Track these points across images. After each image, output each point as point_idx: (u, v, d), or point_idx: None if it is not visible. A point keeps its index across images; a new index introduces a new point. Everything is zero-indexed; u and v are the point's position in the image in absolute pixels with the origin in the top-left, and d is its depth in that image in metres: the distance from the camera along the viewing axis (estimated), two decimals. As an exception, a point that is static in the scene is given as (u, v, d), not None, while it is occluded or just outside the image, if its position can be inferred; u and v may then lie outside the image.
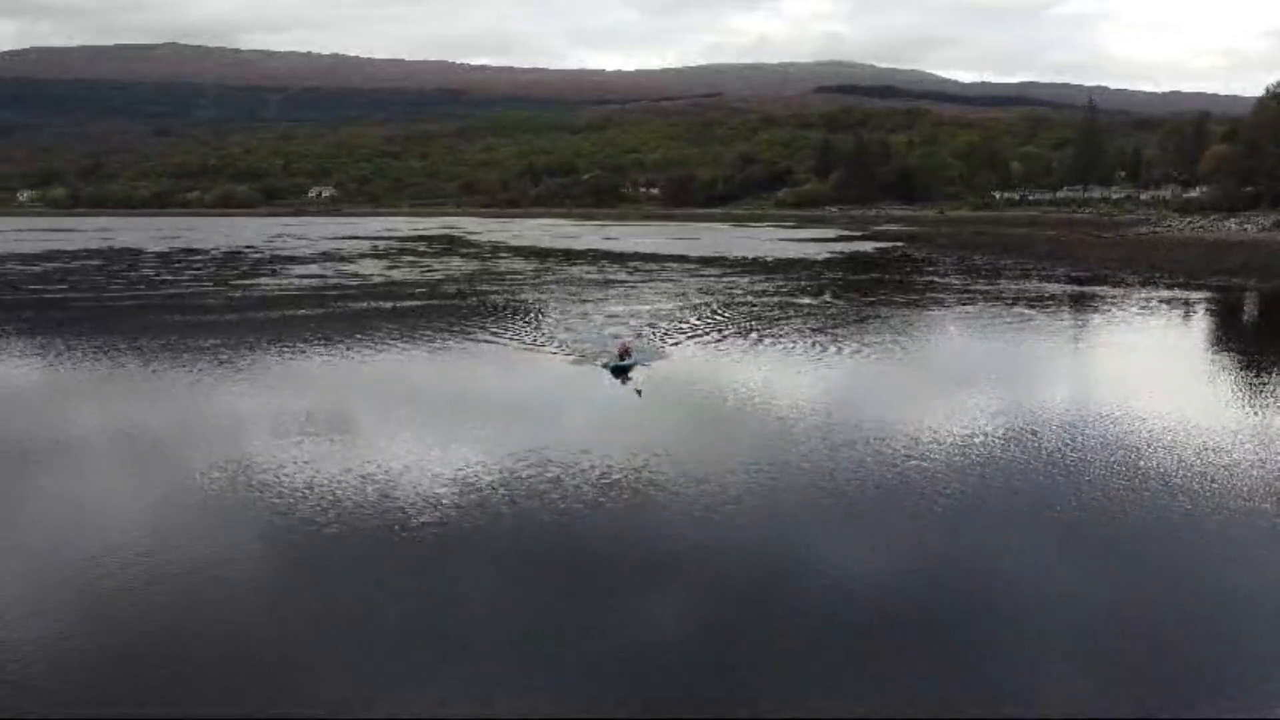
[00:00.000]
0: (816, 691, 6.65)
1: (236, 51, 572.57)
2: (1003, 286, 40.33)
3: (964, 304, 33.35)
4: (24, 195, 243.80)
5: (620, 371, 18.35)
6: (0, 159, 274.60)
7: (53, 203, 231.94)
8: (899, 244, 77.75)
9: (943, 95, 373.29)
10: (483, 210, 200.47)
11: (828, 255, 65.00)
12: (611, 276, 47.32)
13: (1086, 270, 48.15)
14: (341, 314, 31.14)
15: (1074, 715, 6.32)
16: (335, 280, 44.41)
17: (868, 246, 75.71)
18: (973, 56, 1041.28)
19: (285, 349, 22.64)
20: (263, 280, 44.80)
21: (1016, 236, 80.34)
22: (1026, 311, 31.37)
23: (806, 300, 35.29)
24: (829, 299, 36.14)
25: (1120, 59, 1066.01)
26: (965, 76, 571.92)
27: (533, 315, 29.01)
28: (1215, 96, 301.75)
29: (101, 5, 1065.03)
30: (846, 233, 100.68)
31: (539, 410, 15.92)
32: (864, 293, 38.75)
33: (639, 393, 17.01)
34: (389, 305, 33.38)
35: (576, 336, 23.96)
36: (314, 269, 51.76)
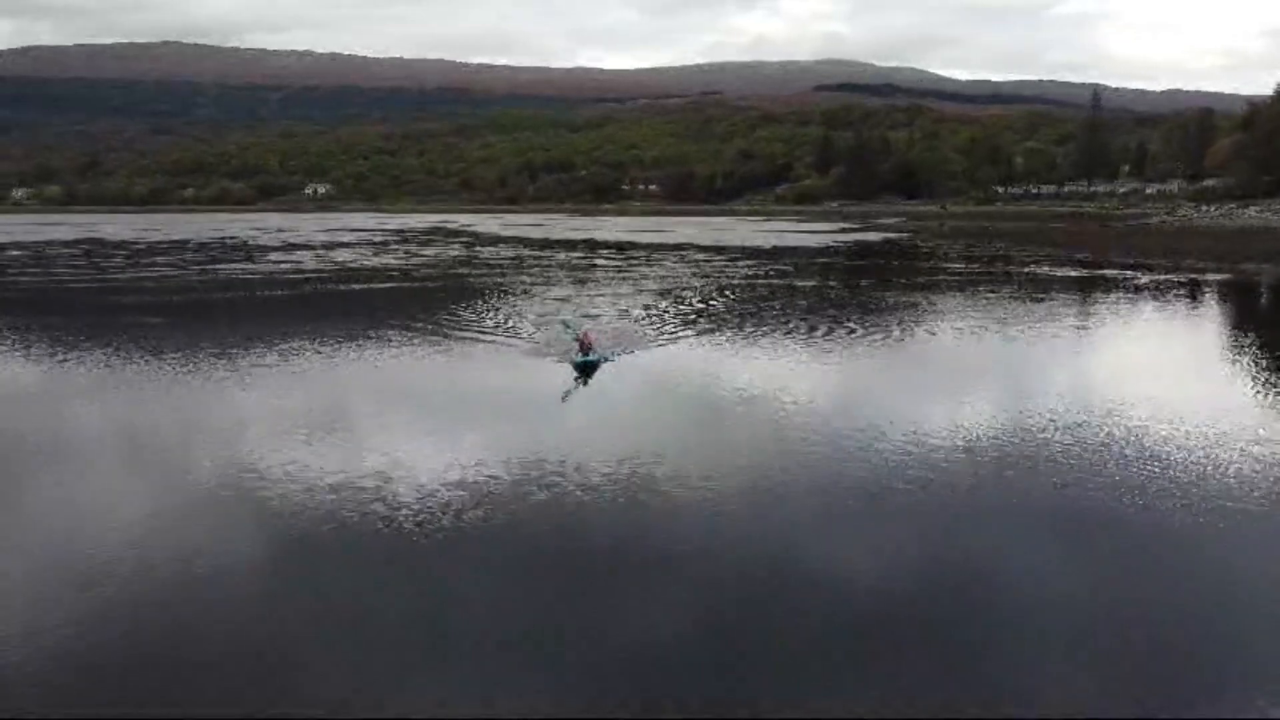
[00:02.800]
0: (816, 692, 6.58)
1: (237, 50, 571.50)
2: (1019, 273, 39.25)
3: (980, 291, 31.98)
4: (19, 193, 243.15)
5: (585, 369, 16.30)
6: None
7: (47, 200, 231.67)
8: (904, 235, 77.42)
9: (942, 94, 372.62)
10: (480, 207, 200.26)
11: (831, 245, 64.03)
12: (600, 264, 46.31)
13: (1106, 257, 46.99)
14: (306, 300, 30.42)
15: (1074, 715, 6.25)
16: (309, 269, 43.53)
17: (873, 237, 75.04)
18: (972, 56, 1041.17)
19: (237, 336, 21.70)
20: (228, 268, 44.19)
21: (1025, 228, 79.70)
22: (1045, 297, 30.31)
23: (809, 286, 34.16)
24: (833, 287, 34.72)
25: (1120, 58, 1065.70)
26: (965, 76, 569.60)
27: (505, 303, 27.67)
28: (1216, 95, 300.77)
29: (101, 4, 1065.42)
30: (849, 226, 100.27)
31: (492, 411, 14.53)
32: (874, 280, 37.40)
33: (582, 383, 15.72)
34: (354, 294, 32.53)
35: (547, 326, 22.49)
36: (288, 258, 51.05)
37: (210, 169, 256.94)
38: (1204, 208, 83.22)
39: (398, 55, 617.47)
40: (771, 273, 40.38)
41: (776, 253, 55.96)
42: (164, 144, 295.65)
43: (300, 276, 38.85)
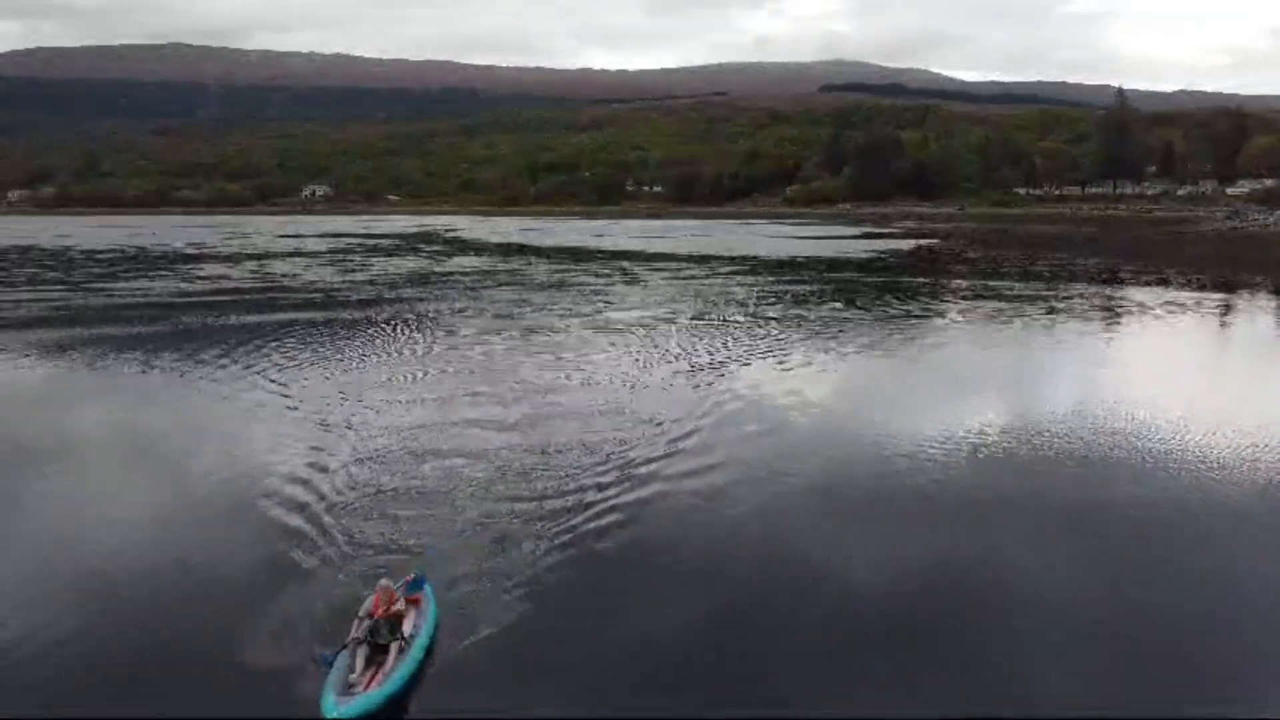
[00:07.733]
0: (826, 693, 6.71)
1: (242, 52, 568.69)
2: (1108, 297, 33.70)
3: (1090, 328, 26.38)
4: (14, 195, 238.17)
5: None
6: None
7: (42, 202, 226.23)
8: (936, 241, 70.93)
9: (950, 94, 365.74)
10: (481, 208, 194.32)
11: (860, 256, 58.60)
12: (578, 281, 40.75)
13: (1206, 274, 41.26)
14: (144, 339, 24.35)
15: (1074, 715, 6.35)
16: (219, 287, 38.68)
17: (903, 245, 69.08)
18: (979, 56, 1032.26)
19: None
20: (121, 287, 39.49)
21: (1067, 233, 74.03)
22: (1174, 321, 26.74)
23: (849, 315, 28.76)
24: (895, 323, 27.94)
25: (1127, 58, 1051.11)
26: (972, 76, 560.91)
27: (419, 364, 19.92)
28: (1224, 95, 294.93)
29: (106, 6, 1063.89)
30: (868, 230, 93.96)
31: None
32: (947, 314, 29.94)
33: None
34: (234, 329, 26.10)
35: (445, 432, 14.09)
36: (212, 272, 46.67)
37: (210, 170, 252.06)
38: (1277, 212, 75.94)
39: (402, 56, 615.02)
40: (799, 300, 33.18)
41: (797, 266, 49.36)
42: (165, 145, 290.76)
43: (192, 300, 33.62)
